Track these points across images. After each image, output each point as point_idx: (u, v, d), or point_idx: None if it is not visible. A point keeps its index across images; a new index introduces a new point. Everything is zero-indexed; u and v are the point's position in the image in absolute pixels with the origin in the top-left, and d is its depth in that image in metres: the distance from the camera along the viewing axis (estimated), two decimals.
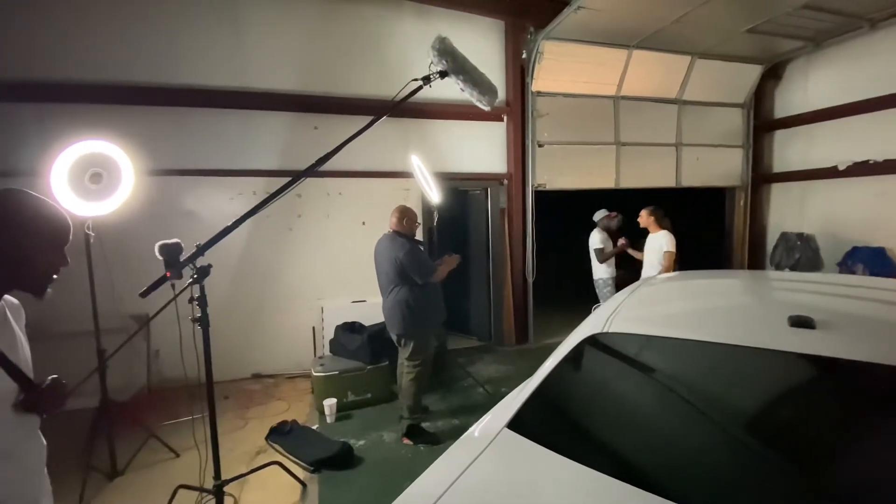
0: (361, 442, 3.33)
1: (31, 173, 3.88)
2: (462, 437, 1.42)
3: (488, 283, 5.58)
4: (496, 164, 5.50)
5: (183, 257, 2.05)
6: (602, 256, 4.86)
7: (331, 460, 3.00)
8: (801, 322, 1.34)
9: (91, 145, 2.67)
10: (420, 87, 2.41)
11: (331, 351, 4.28)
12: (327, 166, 2.46)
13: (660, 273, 4.07)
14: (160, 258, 1.96)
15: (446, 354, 4.71)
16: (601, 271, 4.92)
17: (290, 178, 2.41)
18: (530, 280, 5.58)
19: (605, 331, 1.51)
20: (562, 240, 5.29)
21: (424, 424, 3.44)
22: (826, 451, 1.16)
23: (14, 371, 1.06)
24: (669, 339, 1.41)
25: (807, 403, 1.25)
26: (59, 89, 4.03)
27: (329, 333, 4.57)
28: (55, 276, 1.14)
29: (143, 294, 2.03)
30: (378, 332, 4.04)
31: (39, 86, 3.99)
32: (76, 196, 2.65)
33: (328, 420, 3.66)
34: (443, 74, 2.35)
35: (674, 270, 4.10)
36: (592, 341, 1.51)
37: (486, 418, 1.48)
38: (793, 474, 1.14)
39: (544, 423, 1.35)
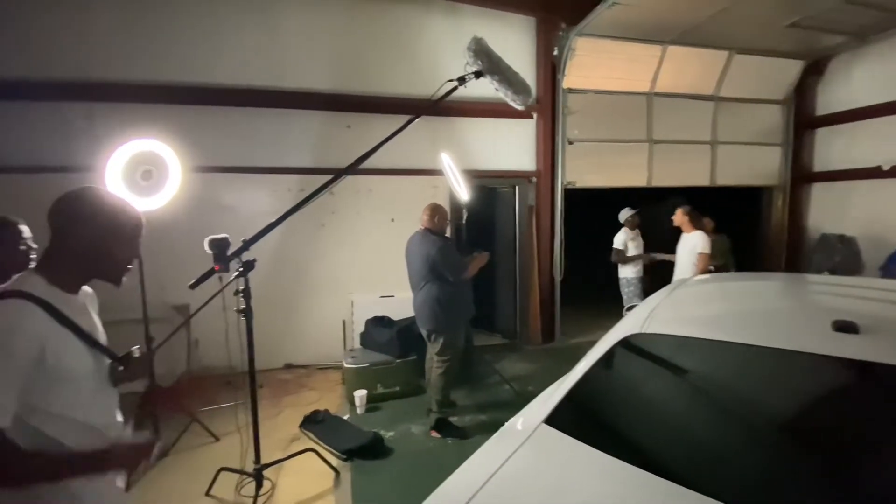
0: (391, 433, 3.41)
1: (82, 169, 4.11)
2: (499, 431, 1.47)
3: (515, 282, 5.59)
4: (525, 162, 5.49)
5: (229, 251, 2.17)
6: (619, 257, 4.83)
7: (362, 450, 3.09)
8: (845, 326, 1.33)
9: (142, 144, 2.82)
10: (455, 88, 2.46)
11: (361, 344, 4.38)
12: (360, 164, 2.54)
13: (694, 275, 4.02)
14: (210, 252, 2.07)
15: (473, 351, 4.75)
16: (626, 271, 4.90)
17: (324, 176, 2.51)
18: (558, 279, 5.56)
19: (642, 331, 1.53)
20: (591, 238, 5.25)
21: (452, 419, 3.50)
22: (869, 456, 1.15)
23: (104, 348, 1.17)
24: (709, 340, 1.41)
25: (849, 408, 1.24)
26: (107, 89, 4.23)
27: (358, 327, 4.68)
28: (130, 267, 1.23)
29: (193, 286, 2.15)
30: (407, 326, 4.12)
31: (88, 85, 4.20)
32: (129, 192, 2.80)
33: (358, 411, 3.76)
34: (478, 75, 2.40)
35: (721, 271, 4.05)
36: (630, 342, 1.53)
37: (524, 414, 1.52)
38: (834, 477, 1.14)
39: (581, 420, 1.38)
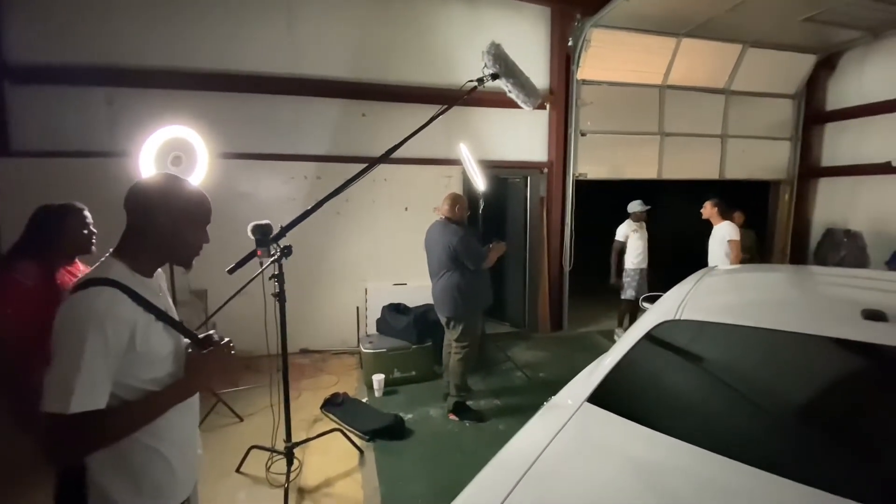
0: (409, 416, 3.51)
1: (103, 153, 4.17)
2: (542, 410, 1.55)
3: (525, 271, 5.67)
4: (537, 153, 5.54)
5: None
6: (616, 250, 4.94)
7: (385, 431, 3.19)
8: (874, 315, 1.41)
9: (174, 130, 2.86)
10: (475, 88, 2.56)
11: (377, 330, 4.47)
12: (375, 153, 2.61)
13: (729, 264, 4.12)
14: (252, 237, 2.14)
15: (485, 338, 4.85)
16: (629, 261, 5.00)
17: (339, 163, 2.54)
18: (567, 269, 5.64)
19: (677, 318, 1.60)
20: (602, 229, 5.32)
21: (469, 403, 3.60)
22: (890, 434, 1.24)
23: (184, 329, 1.22)
24: (742, 326, 1.50)
25: (881, 390, 1.32)
26: (129, 74, 4.25)
27: (372, 313, 4.76)
28: (200, 250, 1.28)
29: (231, 270, 2.22)
30: (423, 313, 4.21)
31: (110, 70, 4.21)
32: None
33: (376, 394, 3.85)
34: (494, 77, 2.51)
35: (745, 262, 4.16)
36: (664, 328, 1.61)
37: (565, 394, 1.61)
38: (863, 454, 1.23)
39: (621, 398, 1.46)
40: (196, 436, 1.32)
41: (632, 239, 5.05)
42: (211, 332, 1.28)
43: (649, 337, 1.59)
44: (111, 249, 1.17)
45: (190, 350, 1.22)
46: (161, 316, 1.15)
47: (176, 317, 1.27)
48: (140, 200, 1.16)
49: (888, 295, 1.73)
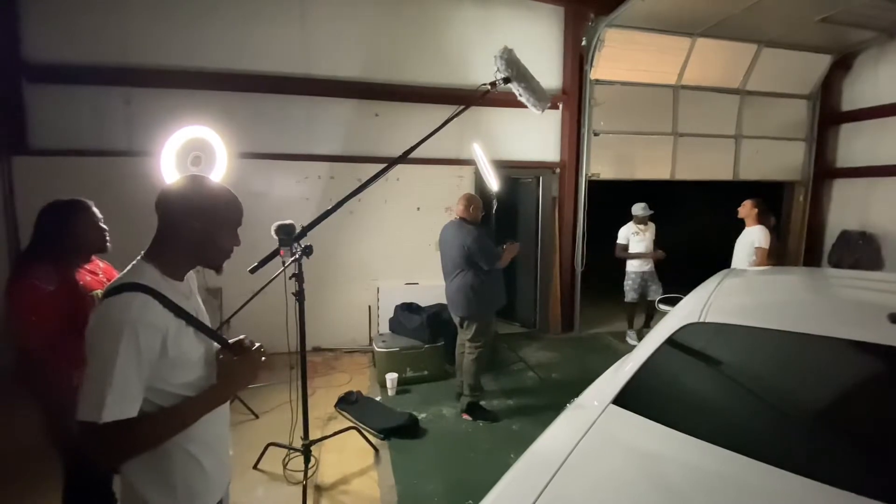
0: (423, 415, 3.53)
1: (121, 153, 4.22)
2: (567, 410, 1.56)
3: (536, 272, 5.66)
4: (549, 153, 5.53)
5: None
6: (618, 252, 4.89)
7: (399, 429, 3.21)
8: None
9: (194, 130, 2.90)
10: (488, 91, 2.59)
11: (390, 329, 4.49)
12: (387, 152, 2.64)
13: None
14: (275, 237, 2.17)
15: (497, 339, 4.85)
16: (629, 265, 4.97)
17: (352, 163, 2.53)
18: (579, 270, 5.63)
19: (701, 320, 1.60)
20: (615, 230, 5.30)
21: (482, 403, 3.61)
22: None
23: (215, 334, 1.22)
24: (768, 330, 1.50)
25: None
26: (145, 74, 4.29)
27: (384, 312, 4.78)
28: (231, 253, 1.25)
29: (253, 270, 2.25)
30: (436, 313, 4.22)
31: (127, 70, 4.26)
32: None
33: (389, 393, 3.88)
34: (506, 80, 2.56)
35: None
36: (689, 330, 1.61)
37: (588, 395, 1.61)
38: (882, 453, 1.22)
39: (646, 400, 1.47)
40: (227, 437, 1.32)
41: (633, 241, 4.99)
42: (242, 336, 1.28)
43: (673, 340, 1.59)
44: (142, 252, 1.15)
45: (221, 356, 1.22)
46: (192, 321, 1.14)
47: (207, 319, 1.27)
48: (171, 204, 1.14)
49: None
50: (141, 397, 1.02)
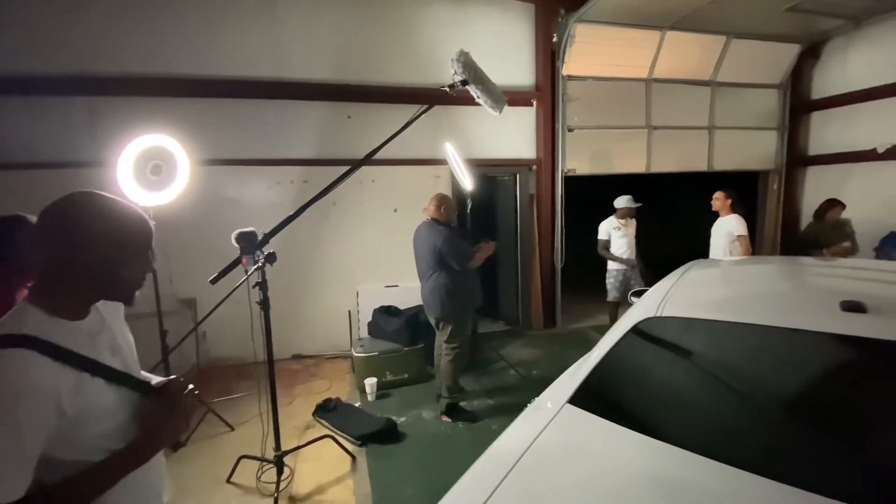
0: (403, 419, 3.49)
1: (85, 164, 4.12)
2: (525, 412, 1.54)
3: (517, 269, 5.66)
4: (525, 150, 5.52)
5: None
6: (600, 249, 4.84)
7: (377, 435, 3.17)
8: (853, 307, 1.40)
9: (152, 138, 2.83)
10: (446, 94, 2.59)
11: (369, 333, 4.45)
12: (361, 154, 2.61)
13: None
14: (237, 245, 2.12)
15: (478, 338, 4.84)
16: (613, 262, 4.90)
17: (326, 167, 2.54)
18: (559, 266, 5.64)
19: (657, 315, 1.59)
20: (594, 225, 5.29)
21: (462, 404, 3.58)
22: (876, 428, 1.23)
23: (127, 379, 1.01)
24: (722, 322, 1.49)
25: (858, 383, 1.32)
26: (109, 82, 4.19)
27: (364, 316, 4.74)
28: (142, 282, 1.05)
29: (214, 280, 2.20)
30: (414, 315, 4.19)
31: (90, 79, 4.16)
32: (139, 187, 2.82)
33: (369, 398, 3.83)
34: (464, 83, 2.56)
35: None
36: (646, 325, 1.60)
37: (547, 395, 1.59)
38: (839, 449, 1.22)
39: (602, 399, 1.45)
40: (160, 482, 1.12)
41: (614, 237, 4.91)
42: (171, 377, 1.13)
43: (630, 335, 1.58)
44: (26, 291, 0.96)
45: (145, 402, 1.03)
46: (97, 369, 0.94)
47: (132, 349, 1.10)
48: (59, 229, 0.92)
49: (869, 284, 1.72)
50: (27, 480, 0.82)
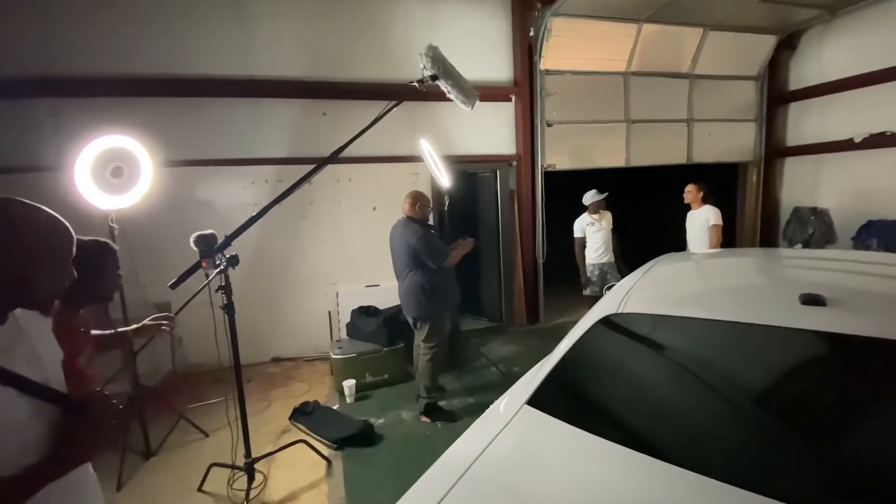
0: (381, 420, 3.45)
1: (50, 168, 3.99)
2: (484, 414, 1.50)
3: (499, 265, 5.63)
4: (505, 146, 5.48)
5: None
6: (579, 248, 4.80)
7: (353, 438, 3.12)
8: (811, 300, 1.38)
9: (111, 140, 2.74)
10: (415, 89, 2.54)
11: (348, 334, 4.39)
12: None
13: (710, 248, 4.10)
14: (196, 249, 2.05)
15: (459, 336, 4.80)
16: (588, 257, 4.83)
17: (301, 165, 2.49)
18: (540, 261, 5.62)
19: (619, 311, 1.56)
20: (573, 221, 5.27)
21: (441, 403, 3.55)
22: (835, 425, 1.21)
23: (47, 393, 0.97)
24: (682, 318, 1.46)
25: (817, 379, 1.30)
26: (73, 84, 4.07)
27: (344, 317, 4.67)
28: (61, 292, 1.03)
29: (174, 285, 2.13)
30: (393, 315, 4.14)
31: (54, 81, 4.03)
32: (99, 190, 2.73)
33: (348, 400, 3.78)
34: (433, 78, 2.51)
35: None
36: (607, 322, 1.57)
37: (507, 396, 1.56)
38: (802, 447, 1.20)
39: (562, 400, 1.42)
40: (86, 496, 1.09)
41: (589, 233, 4.81)
42: (96, 389, 1.11)
43: (592, 333, 1.55)
44: None
45: (65, 416, 0.99)
46: (7, 379, 0.90)
47: (55, 357, 1.05)
48: None
49: (833, 275, 1.71)
50: None
